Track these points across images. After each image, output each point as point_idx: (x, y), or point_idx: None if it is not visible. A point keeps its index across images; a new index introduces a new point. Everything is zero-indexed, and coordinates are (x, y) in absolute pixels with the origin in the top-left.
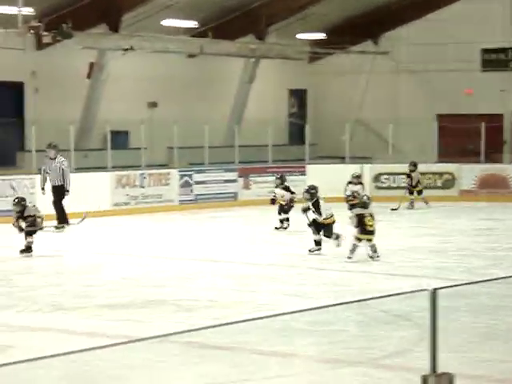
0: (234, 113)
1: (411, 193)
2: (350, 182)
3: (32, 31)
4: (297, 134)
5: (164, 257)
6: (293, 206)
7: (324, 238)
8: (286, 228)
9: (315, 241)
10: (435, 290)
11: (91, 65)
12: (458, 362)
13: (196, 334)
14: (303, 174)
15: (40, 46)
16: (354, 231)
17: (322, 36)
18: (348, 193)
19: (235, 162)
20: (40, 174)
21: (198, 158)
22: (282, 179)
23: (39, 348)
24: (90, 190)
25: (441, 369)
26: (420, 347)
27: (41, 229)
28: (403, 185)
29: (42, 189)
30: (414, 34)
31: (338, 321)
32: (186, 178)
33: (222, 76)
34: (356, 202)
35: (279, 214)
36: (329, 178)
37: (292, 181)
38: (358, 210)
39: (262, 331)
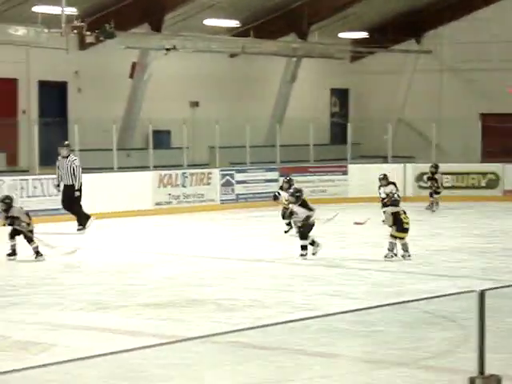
0: (275, 112)
1: (435, 193)
2: (380, 186)
3: (75, 31)
4: (338, 134)
5: (205, 256)
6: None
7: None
8: (288, 231)
9: (308, 244)
10: (483, 291)
11: (134, 64)
12: (505, 363)
13: (238, 334)
14: (345, 173)
15: (83, 45)
16: (390, 230)
17: (364, 35)
18: (383, 195)
19: (276, 162)
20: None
21: (240, 158)
22: (289, 183)
23: (82, 347)
24: (131, 189)
25: (487, 371)
26: (465, 348)
27: (27, 236)
28: (446, 184)
29: (57, 186)
30: (458, 32)
31: (381, 321)
32: (228, 178)
33: (264, 75)
34: (387, 201)
35: (283, 218)
36: (370, 178)
37: (333, 180)
38: (392, 209)
39: (304, 331)
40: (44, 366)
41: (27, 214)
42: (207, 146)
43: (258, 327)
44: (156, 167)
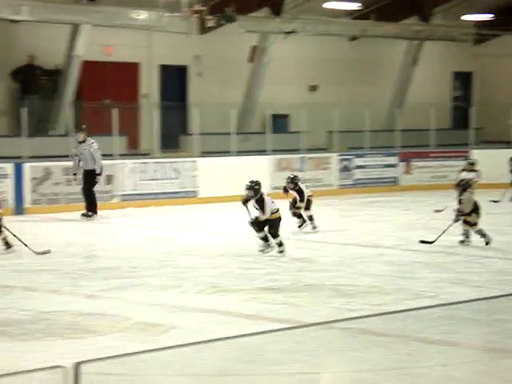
0: (395, 96)
1: None
2: (463, 169)
3: (196, 15)
4: (460, 118)
5: (322, 241)
6: (310, 202)
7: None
8: (300, 226)
9: (261, 238)
10: None
11: (253, 48)
12: None
13: (356, 320)
14: (467, 158)
15: (203, 29)
16: (467, 217)
17: (488, 17)
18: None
19: (396, 147)
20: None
21: (358, 142)
22: (293, 182)
23: (201, 329)
24: (249, 173)
25: None
26: None
27: None
28: None
29: (74, 174)
30: None
31: (503, 310)
32: (346, 163)
33: (384, 59)
34: (465, 188)
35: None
36: (493, 164)
37: (455, 166)
38: (469, 195)
39: (423, 318)
40: (169, 348)
41: None
42: (325, 131)
43: (380, 314)
44: (274, 151)
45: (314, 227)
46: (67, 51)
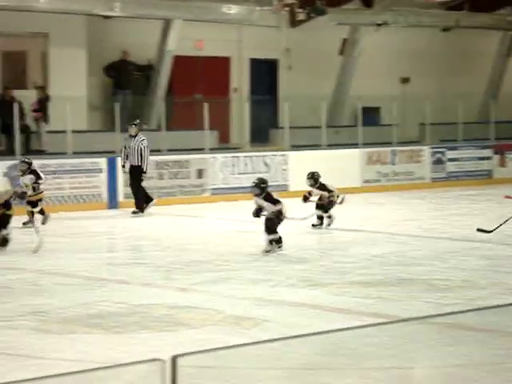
0: (489, 87)
1: None
2: None
3: (286, 9)
4: None
5: (415, 235)
6: (333, 202)
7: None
8: (320, 225)
9: (275, 240)
10: None
11: (344, 41)
12: None
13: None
14: None
15: (294, 23)
16: None
17: None
18: None
19: (490, 139)
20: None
21: (451, 135)
22: (314, 178)
23: (292, 322)
24: (340, 166)
25: None
26: None
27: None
28: None
29: (123, 166)
30: None
31: None
32: (439, 155)
33: (478, 50)
34: None
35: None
36: None
37: None
38: None
39: None
40: (265, 341)
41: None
42: (417, 123)
43: (474, 310)
44: (365, 144)
45: (329, 224)
46: (159, 46)
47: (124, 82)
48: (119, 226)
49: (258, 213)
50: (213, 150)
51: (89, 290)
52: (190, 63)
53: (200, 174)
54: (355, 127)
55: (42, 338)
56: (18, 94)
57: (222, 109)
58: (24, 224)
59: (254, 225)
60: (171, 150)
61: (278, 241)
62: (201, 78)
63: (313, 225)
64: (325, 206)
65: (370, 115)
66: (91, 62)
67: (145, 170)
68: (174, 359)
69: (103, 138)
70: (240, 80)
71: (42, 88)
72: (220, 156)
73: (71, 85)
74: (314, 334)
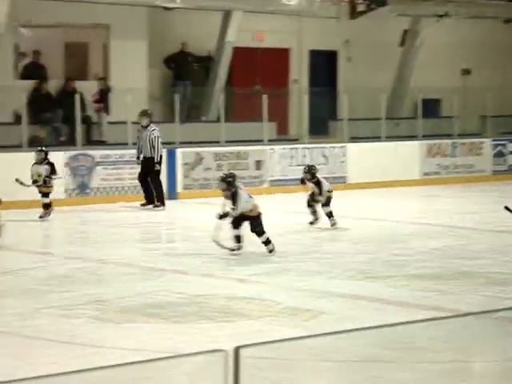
0: None
1: None
2: None
3: (347, 0)
4: None
5: (475, 228)
6: (330, 198)
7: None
8: (315, 221)
9: (235, 236)
10: None
11: (404, 32)
12: None
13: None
14: None
15: (354, 14)
16: None
17: None
18: None
19: None
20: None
21: None
22: (311, 172)
23: (350, 315)
24: (399, 159)
25: None
26: None
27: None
28: None
29: (137, 158)
30: None
31: None
32: (500, 148)
33: None
34: None
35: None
36: None
37: None
38: None
39: None
40: (329, 334)
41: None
42: (478, 115)
43: None
44: (425, 137)
45: (334, 224)
46: (219, 38)
47: (183, 74)
48: (178, 217)
49: (221, 217)
50: (271, 141)
51: (148, 279)
52: (249, 54)
53: (258, 165)
54: (415, 119)
55: (101, 327)
56: (79, 85)
57: (281, 100)
58: (40, 217)
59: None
60: (230, 142)
61: (239, 238)
62: (260, 70)
63: (310, 222)
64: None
65: (431, 107)
66: (151, 54)
67: (157, 160)
68: (237, 350)
69: (162, 129)
70: (299, 71)
71: (103, 79)
72: (278, 148)
73: (132, 76)
74: (372, 327)
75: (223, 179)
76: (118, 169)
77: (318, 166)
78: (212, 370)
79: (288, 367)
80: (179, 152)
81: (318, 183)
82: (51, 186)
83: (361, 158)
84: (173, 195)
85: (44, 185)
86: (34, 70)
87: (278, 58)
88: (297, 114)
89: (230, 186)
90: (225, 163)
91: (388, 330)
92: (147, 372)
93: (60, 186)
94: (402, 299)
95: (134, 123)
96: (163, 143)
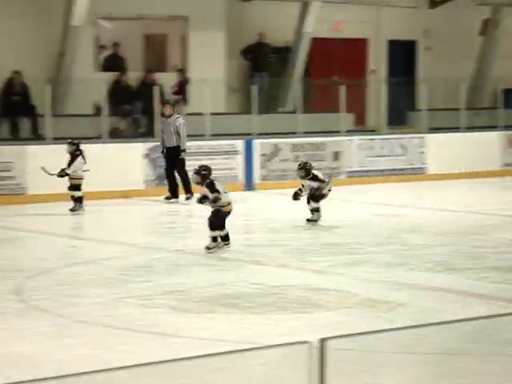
0: None
1: None
2: None
3: None
4: None
5: None
6: (324, 195)
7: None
8: (315, 220)
9: (221, 237)
10: None
11: (485, 21)
12: None
13: None
14: None
15: (433, 3)
16: None
17: None
18: None
19: None
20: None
21: None
22: (305, 169)
23: (429, 307)
24: (479, 149)
25: None
26: None
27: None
28: None
29: (162, 152)
30: None
31: None
32: None
33: None
34: None
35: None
36: None
37: None
38: None
39: None
40: (413, 327)
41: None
42: None
43: None
44: (506, 127)
45: (314, 221)
46: (296, 28)
47: (261, 65)
48: (255, 208)
49: (201, 200)
50: (349, 132)
51: (225, 270)
52: (327, 45)
53: (336, 156)
54: (496, 109)
55: (181, 317)
56: (158, 76)
57: (358, 91)
58: (71, 210)
59: (389, 208)
60: (307, 133)
61: (225, 237)
62: (338, 60)
63: (307, 220)
64: (315, 197)
65: (511, 97)
66: (229, 45)
67: (183, 147)
68: (323, 342)
69: (240, 120)
70: (377, 62)
71: (182, 71)
72: (356, 138)
73: (210, 67)
74: (454, 321)
75: (197, 172)
76: (197, 160)
77: (395, 157)
78: (290, 361)
79: (370, 359)
80: (257, 143)
81: (315, 178)
82: (81, 178)
83: (440, 149)
84: (250, 186)
85: (70, 176)
86: (113, 63)
87: (355, 49)
88: (375, 104)
89: (204, 179)
90: (302, 154)
91: (470, 323)
92: (228, 362)
93: (139, 176)
94: (480, 291)
95: (213, 114)
96: (240, 134)
